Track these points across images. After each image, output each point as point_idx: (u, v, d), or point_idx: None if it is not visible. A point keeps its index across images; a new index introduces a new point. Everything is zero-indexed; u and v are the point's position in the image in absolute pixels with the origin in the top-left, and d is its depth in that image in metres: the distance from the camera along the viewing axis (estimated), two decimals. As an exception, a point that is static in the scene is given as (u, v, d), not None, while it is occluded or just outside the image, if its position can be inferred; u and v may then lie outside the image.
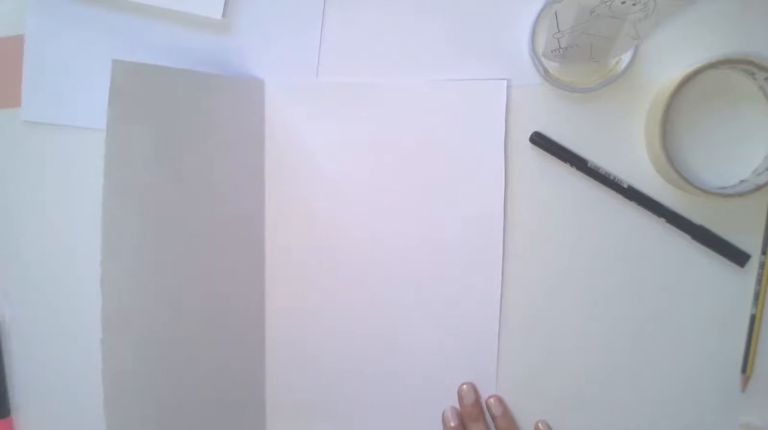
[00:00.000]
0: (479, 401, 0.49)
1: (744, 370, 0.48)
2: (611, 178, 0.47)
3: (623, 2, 0.35)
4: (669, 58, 0.47)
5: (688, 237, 0.48)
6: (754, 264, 0.48)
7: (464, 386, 0.49)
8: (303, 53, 0.50)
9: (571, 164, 0.48)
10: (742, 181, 0.47)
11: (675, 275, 0.48)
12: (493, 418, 0.49)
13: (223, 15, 0.49)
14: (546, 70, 0.47)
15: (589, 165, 0.48)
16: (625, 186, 0.48)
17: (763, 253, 0.47)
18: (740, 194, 0.45)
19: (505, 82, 0.48)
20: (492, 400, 0.49)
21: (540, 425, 0.49)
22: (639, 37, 0.40)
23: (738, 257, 0.47)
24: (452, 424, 0.49)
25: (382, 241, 0.50)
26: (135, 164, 0.42)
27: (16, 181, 0.53)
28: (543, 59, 0.47)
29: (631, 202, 0.48)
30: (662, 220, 0.48)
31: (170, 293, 0.45)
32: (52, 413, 0.54)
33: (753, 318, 0.48)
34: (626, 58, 0.46)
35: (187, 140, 0.45)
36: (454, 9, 0.49)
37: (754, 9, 0.46)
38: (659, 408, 0.49)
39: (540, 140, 0.48)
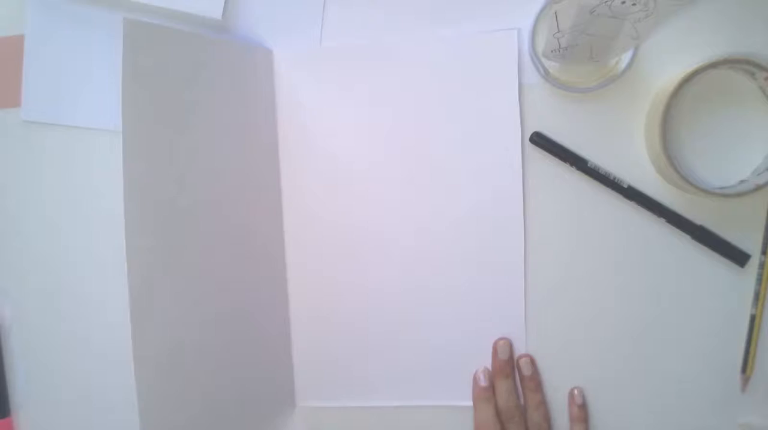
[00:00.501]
0: (512, 359, 0.49)
1: (744, 370, 0.48)
2: (611, 178, 0.47)
3: (623, 2, 0.35)
4: (669, 58, 0.47)
5: (688, 237, 0.48)
6: (754, 264, 0.48)
7: (501, 341, 0.49)
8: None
9: (571, 164, 0.48)
10: (742, 181, 0.47)
11: (675, 275, 0.48)
12: (522, 378, 0.49)
13: (223, 15, 0.49)
14: (546, 70, 0.47)
15: (589, 165, 0.48)
16: (625, 186, 0.48)
17: (763, 253, 0.47)
18: (740, 194, 0.45)
19: (516, 31, 0.48)
20: (524, 359, 0.49)
21: (575, 391, 0.49)
22: (639, 37, 0.40)
23: (738, 257, 0.47)
24: (483, 384, 0.49)
25: (400, 210, 0.50)
26: (151, 129, 0.41)
27: (16, 181, 0.53)
28: (543, 59, 0.47)
29: (631, 202, 0.48)
30: (662, 220, 0.48)
31: (192, 287, 0.44)
32: (52, 413, 0.54)
33: (753, 318, 0.47)
34: (626, 58, 0.46)
35: (200, 105, 0.45)
36: (455, 9, 0.49)
37: (754, 9, 0.46)
38: (659, 408, 0.49)
39: (540, 140, 0.48)
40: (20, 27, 0.51)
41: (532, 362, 0.49)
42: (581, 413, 0.49)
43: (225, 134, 0.46)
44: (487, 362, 0.50)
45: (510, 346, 0.49)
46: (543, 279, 0.49)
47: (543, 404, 0.49)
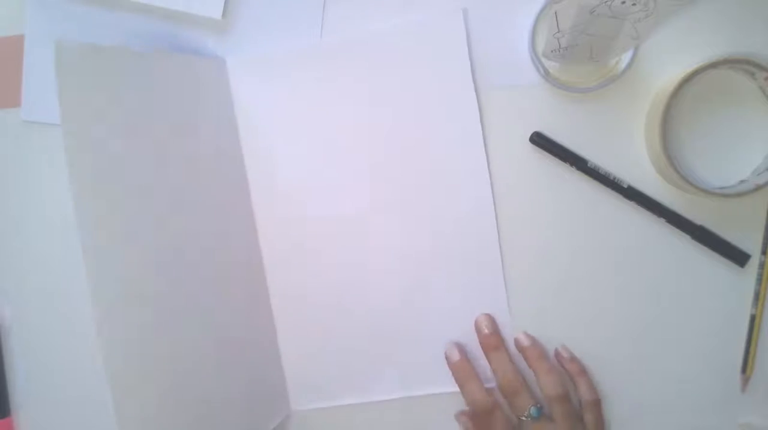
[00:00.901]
0: (498, 332, 0.49)
1: (744, 370, 0.48)
2: (611, 178, 0.47)
3: (623, 2, 0.35)
4: (669, 58, 0.47)
5: (688, 237, 0.48)
6: (754, 264, 0.48)
7: (480, 317, 0.49)
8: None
9: (571, 164, 0.48)
10: (742, 182, 0.47)
11: (675, 275, 0.48)
12: (523, 350, 0.48)
13: (223, 15, 0.49)
14: (546, 70, 0.47)
15: (589, 165, 0.48)
16: (625, 186, 0.48)
17: (763, 253, 0.47)
18: (740, 194, 0.45)
19: (461, 11, 0.48)
20: (519, 335, 0.49)
21: (559, 348, 0.49)
22: (639, 37, 0.40)
23: (738, 257, 0.47)
24: (456, 358, 0.48)
25: (376, 204, 0.50)
26: (100, 149, 0.41)
27: (16, 181, 0.53)
28: (543, 59, 0.47)
29: (631, 202, 0.48)
30: (662, 220, 0.48)
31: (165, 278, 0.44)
32: (52, 413, 0.54)
33: (753, 318, 0.48)
34: (626, 58, 0.46)
35: (147, 120, 0.44)
36: (454, 8, 0.49)
37: (754, 9, 0.46)
38: (659, 408, 0.49)
39: (540, 140, 0.48)
40: (20, 27, 0.51)
41: (528, 335, 0.49)
42: (575, 366, 0.48)
43: (179, 144, 0.46)
44: (474, 354, 0.49)
45: (491, 318, 0.49)
46: (543, 279, 0.49)
47: (553, 369, 0.47)
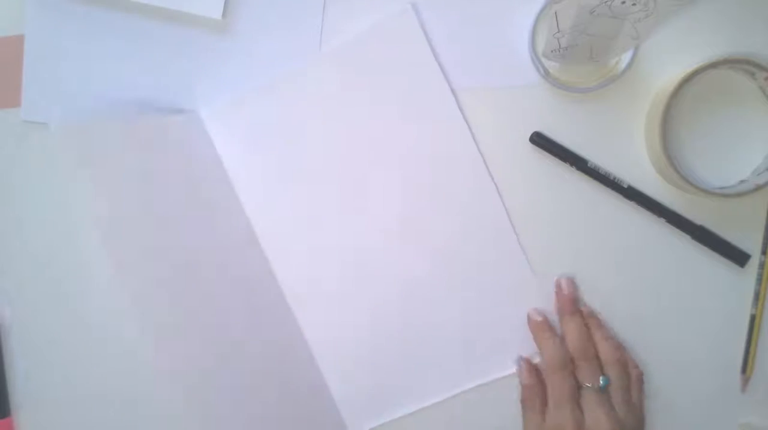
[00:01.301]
0: (577, 298, 0.48)
1: (744, 370, 0.48)
2: (611, 178, 0.47)
3: (623, 2, 0.35)
4: (669, 58, 0.47)
5: (688, 237, 0.48)
6: (754, 264, 0.48)
7: (563, 279, 0.48)
8: (303, 56, 0.50)
9: (571, 164, 0.48)
10: (742, 181, 0.47)
11: (675, 275, 0.48)
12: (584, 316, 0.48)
13: (223, 15, 0.49)
14: (546, 70, 0.47)
15: (589, 165, 0.48)
16: (625, 186, 0.48)
17: (763, 253, 0.47)
18: (740, 194, 0.45)
19: (410, 5, 0.47)
20: (582, 303, 0.49)
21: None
22: (639, 37, 0.40)
23: (738, 257, 0.47)
24: (538, 319, 0.48)
25: (382, 217, 0.50)
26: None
27: (16, 181, 0.53)
28: (543, 59, 0.47)
29: (631, 202, 0.48)
30: (662, 220, 0.48)
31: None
32: (52, 413, 0.54)
33: (753, 318, 0.48)
34: (626, 58, 0.46)
35: (151, 180, 0.47)
36: (455, 8, 0.49)
37: (754, 9, 0.46)
38: (659, 408, 0.49)
39: (540, 140, 0.48)
40: (20, 27, 0.51)
41: (587, 304, 0.49)
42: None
43: (183, 204, 0.48)
44: (506, 337, 0.49)
45: (572, 283, 0.49)
46: (542, 279, 0.49)
47: (611, 336, 0.48)
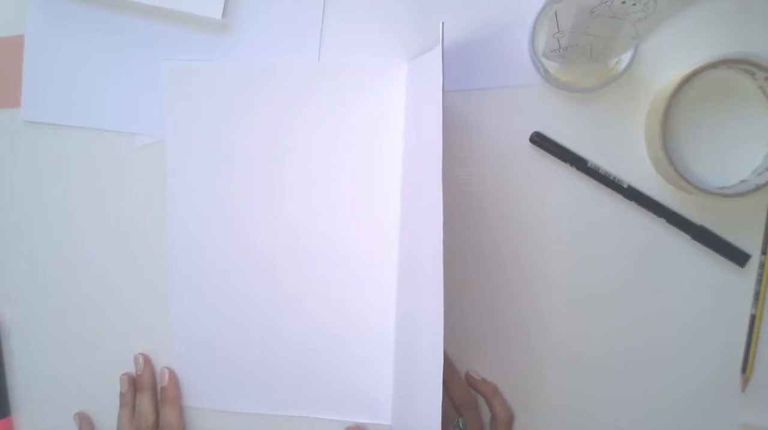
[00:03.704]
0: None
1: (744, 370, 0.48)
2: (611, 178, 0.47)
3: (623, 2, 0.35)
4: (669, 58, 0.47)
5: (688, 237, 0.48)
6: (754, 264, 0.48)
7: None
8: (303, 56, 0.50)
9: (571, 164, 0.48)
10: (742, 181, 0.47)
11: (675, 275, 0.48)
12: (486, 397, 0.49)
13: (223, 15, 0.49)
14: (546, 70, 0.47)
15: (589, 165, 0.48)
16: (625, 186, 0.48)
17: (763, 253, 0.47)
18: (740, 194, 0.45)
19: (406, 64, 0.48)
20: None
21: (471, 372, 0.50)
22: (639, 37, 0.40)
23: (738, 257, 0.47)
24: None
25: (273, 226, 0.51)
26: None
27: (16, 181, 0.53)
28: (543, 59, 0.47)
29: (631, 202, 0.48)
30: (662, 220, 0.48)
31: None
32: (52, 413, 0.54)
33: (753, 318, 0.48)
34: (626, 58, 0.46)
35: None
36: (455, 9, 0.49)
37: (754, 9, 0.46)
38: (659, 408, 0.49)
39: (540, 140, 0.48)
40: (20, 27, 0.51)
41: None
42: (488, 386, 0.49)
43: None
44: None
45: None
46: (542, 279, 0.49)
47: (462, 381, 0.49)
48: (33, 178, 0.53)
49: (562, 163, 0.48)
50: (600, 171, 0.48)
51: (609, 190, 0.48)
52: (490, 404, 0.49)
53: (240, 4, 0.50)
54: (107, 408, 0.53)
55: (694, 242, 0.48)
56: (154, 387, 0.52)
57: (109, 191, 0.52)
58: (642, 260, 0.48)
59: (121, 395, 0.52)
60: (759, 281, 0.47)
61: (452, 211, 0.49)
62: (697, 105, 0.47)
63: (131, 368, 0.52)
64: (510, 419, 0.49)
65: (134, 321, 0.53)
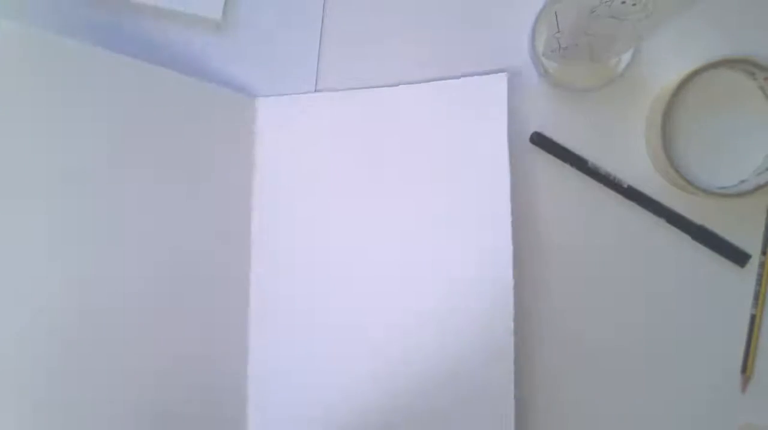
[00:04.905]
0: None
1: (744, 370, 0.48)
2: (611, 178, 0.47)
3: (623, 2, 0.35)
4: (669, 58, 0.47)
5: (688, 237, 0.48)
6: (754, 264, 0.48)
7: None
8: (302, 56, 0.50)
9: (571, 164, 0.48)
10: (742, 181, 0.47)
11: (675, 275, 0.48)
12: None
13: (223, 15, 0.49)
14: (546, 70, 0.47)
15: (589, 165, 0.48)
16: (625, 186, 0.48)
17: (763, 253, 0.47)
18: (740, 194, 0.45)
19: (506, 74, 0.46)
20: None
21: None
22: (639, 37, 0.40)
23: (738, 257, 0.47)
24: None
25: (381, 262, 0.47)
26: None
27: (16, 181, 0.53)
28: (543, 59, 0.47)
29: (631, 202, 0.48)
30: (662, 220, 0.48)
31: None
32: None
33: (753, 318, 0.48)
34: (626, 58, 0.47)
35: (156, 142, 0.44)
36: (454, 10, 0.49)
37: (754, 9, 0.46)
38: (659, 408, 0.49)
39: (540, 140, 0.48)
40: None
41: None
42: None
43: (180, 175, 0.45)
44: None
45: None
46: (542, 279, 0.49)
47: None
48: (33, 179, 0.53)
49: (562, 163, 0.48)
50: (600, 171, 0.48)
51: (609, 190, 0.48)
52: None
53: (240, 4, 0.50)
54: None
55: (694, 242, 0.48)
56: None
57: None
58: (642, 259, 0.48)
59: None
60: (759, 281, 0.47)
61: (452, 211, 0.49)
62: (697, 105, 0.47)
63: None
64: None
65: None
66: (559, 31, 0.42)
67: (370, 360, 0.46)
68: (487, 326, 0.45)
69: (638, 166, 0.48)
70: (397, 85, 0.48)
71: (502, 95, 0.46)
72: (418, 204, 0.47)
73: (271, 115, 0.49)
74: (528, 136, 0.48)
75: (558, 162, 0.48)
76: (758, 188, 0.45)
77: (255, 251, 0.48)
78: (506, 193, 0.45)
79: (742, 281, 0.48)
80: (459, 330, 0.45)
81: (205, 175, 0.47)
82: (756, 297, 0.47)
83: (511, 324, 0.44)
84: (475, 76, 0.47)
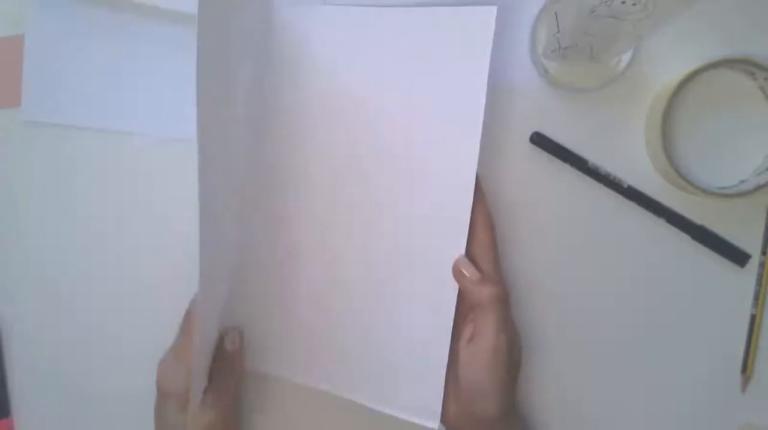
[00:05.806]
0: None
1: (744, 370, 0.48)
2: (611, 178, 0.47)
3: (623, 2, 0.35)
4: (669, 58, 0.47)
5: (688, 237, 0.48)
6: (754, 264, 0.48)
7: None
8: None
9: (571, 164, 0.48)
10: (742, 181, 0.47)
11: (675, 275, 0.48)
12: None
13: (223, 15, 0.49)
14: (546, 70, 0.47)
15: (589, 165, 0.48)
16: (625, 186, 0.48)
17: (763, 253, 0.47)
18: (740, 194, 0.45)
19: (495, 8, 0.44)
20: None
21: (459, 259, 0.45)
22: (639, 37, 0.40)
23: (738, 257, 0.47)
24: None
25: (350, 190, 0.48)
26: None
27: (16, 181, 0.53)
28: (543, 59, 0.47)
29: (631, 202, 0.48)
30: (662, 220, 0.48)
31: None
32: (52, 413, 0.54)
33: (753, 318, 0.48)
34: (626, 58, 0.46)
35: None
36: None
37: (753, 9, 0.46)
38: (659, 408, 0.49)
39: (540, 140, 0.48)
40: (20, 27, 0.51)
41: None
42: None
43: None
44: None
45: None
46: (541, 279, 0.49)
47: None
48: (33, 179, 0.53)
49: (562, 163, 0.48)
50: (600, 171, 0.48)
51: (609, 190, 0.48)
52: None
53: (240, 4, 0.50)
54: (106, 408, 0.53)
55: (694, 242, 0.48)
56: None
57: (109, 191, 0.52)
58: (642, 259, 0.48)
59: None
60: (759, 281, 0.47)
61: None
62: (697, 105, 0.47)
63: (133, 368, 0.52)
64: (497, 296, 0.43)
65: (136, 321, 0.52)
66: (559, 31, 0.42)
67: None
68: (438, 264, 0.45)
69: (638, 166, 0.48)
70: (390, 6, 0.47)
71: (489, 29, 0.44)
72: (394, 133, 0.47)
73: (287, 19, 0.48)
74: (528, 136, 0.48)
75: (558, 162, 0.48)
76: (758, 188, 0.45)
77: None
78: (477, 132, 0.44)
79: (742, 281, 0.48)
80: (412, 267, 0.46)
81: None
82: (756, 297, 0.47)
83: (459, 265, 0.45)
84: (465, 7, 0.45)
